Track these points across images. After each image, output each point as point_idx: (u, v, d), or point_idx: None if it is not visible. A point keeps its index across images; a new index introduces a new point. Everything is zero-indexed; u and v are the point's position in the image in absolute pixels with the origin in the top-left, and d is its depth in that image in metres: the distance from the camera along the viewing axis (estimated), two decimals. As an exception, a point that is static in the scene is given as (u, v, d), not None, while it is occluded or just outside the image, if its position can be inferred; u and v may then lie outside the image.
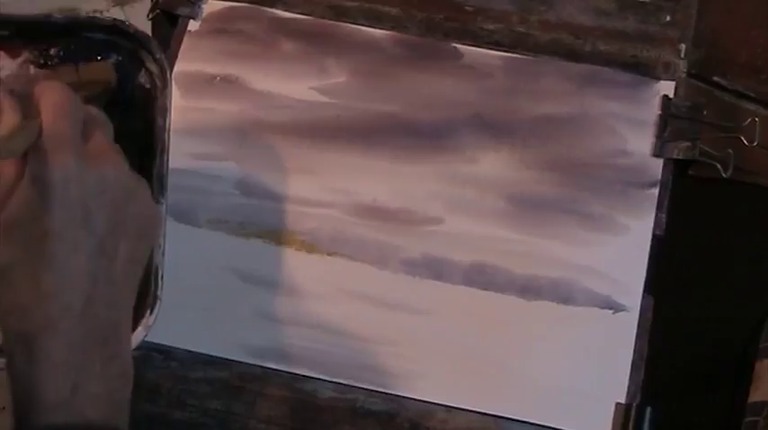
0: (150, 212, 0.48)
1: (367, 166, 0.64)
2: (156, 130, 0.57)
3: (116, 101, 0.57)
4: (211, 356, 0.61)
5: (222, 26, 0.68)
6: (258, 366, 0.60)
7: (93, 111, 0.48)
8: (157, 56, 0.57)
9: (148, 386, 0.60)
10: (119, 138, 0.52)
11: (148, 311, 0.53)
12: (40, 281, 0.42)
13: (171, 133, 0.57)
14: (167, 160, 0.56)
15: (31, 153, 0.44)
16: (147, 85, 0.58)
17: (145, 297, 0.53)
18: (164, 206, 0.54)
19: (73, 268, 0.43)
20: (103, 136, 0.47)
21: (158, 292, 0.54)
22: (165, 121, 0.56)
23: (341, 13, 0.68)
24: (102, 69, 0.57)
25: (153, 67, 0.57)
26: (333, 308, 0.61)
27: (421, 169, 0.64)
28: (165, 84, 0.57)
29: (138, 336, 0.53)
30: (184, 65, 0.67)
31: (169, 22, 0.70)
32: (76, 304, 0.43)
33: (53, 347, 0.42)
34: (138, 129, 0.58)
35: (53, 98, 0.46)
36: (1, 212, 0.44)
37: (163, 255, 0.54)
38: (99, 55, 0.58)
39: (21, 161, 0.45)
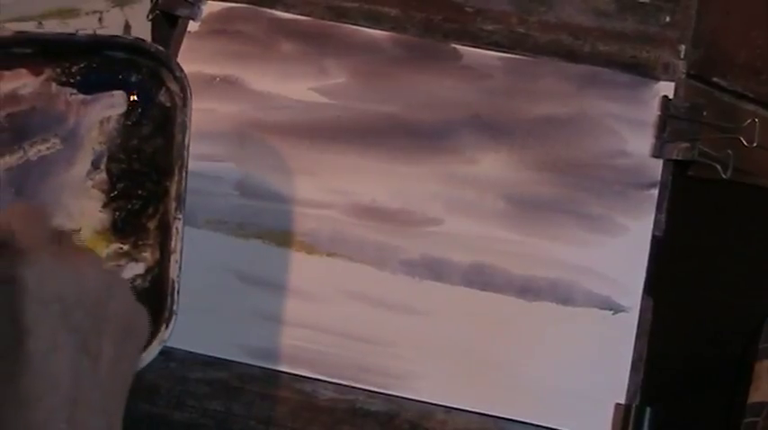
0: (133, 309, 0.44)
1: (366, 167, 0.64)
2: (174, 147, 0.56)
3: (137, 121, 0.58)
4: (211, 357, 0.61)
5: (222, 27, 0.69)
6: (258, 367, 0.60)
7: (69, 231, 0.47)
8: (177, 74, 0.56)
9: (147, 386, 0.60)
10: (139, 157, 0.55)
11: (164, 326, 0.52)
12: (18, 385, 0.39)
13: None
14: (186, 176, 0.55)
15: (2, 252, 0.42)
16: (168, 104, 0.57)
17: (161, 312, 0.53)
18: (181, 221, 0.54)
19: (53, 369, 0.39)
20: (78, 242, 0.46)
21: (174, 307, 0.53)
22: (184, 138, 0.56)
23: (340, 14, 0.69)
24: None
25: (173, 86, 0.57)
26: (332, 308, 0.61)
27: (420, 170, 0.64)
28: (186, 101, 0.56)
29: (152, 352, 0.51)
30: (184, 66, 0.67)
31: (169, 22, 0.70)
32: (61, 410, 0.39)
33: None
34: (157, 148, 0.58)
35: (21, 209, 0.44)
36: None
37: (180, 269, 0.53)
38: (120, 74, 0.58)
39: None
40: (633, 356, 0.59)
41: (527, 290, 0.61)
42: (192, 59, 0.68)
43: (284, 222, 0.63)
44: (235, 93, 0.67)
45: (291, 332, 0.61)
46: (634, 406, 0.58)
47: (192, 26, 0.69)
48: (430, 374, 0.60)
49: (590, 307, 0.60)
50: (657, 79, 0.65)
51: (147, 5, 0.71)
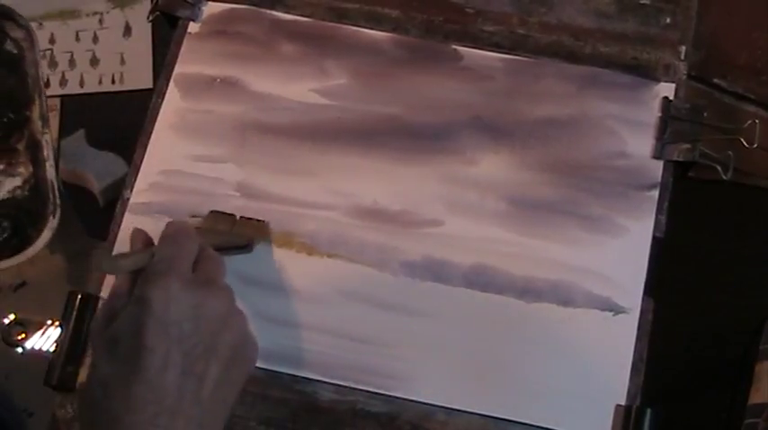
0: (244, 343, 0.51)
1: (367, 168, 0.64)
2: (30, 81, 0.69)
3: None
4: (211, 358, 0.61)
5: (222, 28, 0.69)
6: (258, 368, 0.60)
7: (211, 251, 0.53)
8: (21, 22, 0.68)
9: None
10: None
11: (51, 216, 0.68)
12: (131, 392, 0.45)
13: (44, 82, 0.70)
14: (45, 99, 0.69)
15: (141, 275, 0.50)
16: (15, 51, 0.69)
17: (46, 207, 0.68)
18: (48, 134, 0.67)
19: (162, 383, 0.46)
20: (213, 270, 0.52)
21: (57, 201, 0.68)
22: (37, 71, 0.69)
23: (341, 15, 0.69)
24: (257, 228, 0.62)
25: (17, 34, 0.69)
26: (332, 309, 0.61)
27: (421, 171, 0.64)
28: (33, 43, 0.69)
29: (44, 238, 0.68)
30: (184, 67, 0.67)
31: (169, 23, 0.70)
32: (161, 417, 0.45)
33: None
34: (12, 86, 0.70)
35: (170, 231, 0.52)
36: (108, 328, 0.48)
37: (56, 171, 0.68)
38: None
39: (132, 284, 0.50)
40: (634, 357, 0.59)
41: (528, 291, 0.61)
42: (192, 60, 0.68)
43: (285, 223, 0.63)
44: (235, 94, 0.67)
45: (292, 333, 0.61)
46: (634, 407, 0.58)
47: (193, 27, 0.69)
48: (430, 375, 0.60)
49: (590, 308, 0.60)
50: (658, 80, 0.65)
51: (148, 6, 0.70)
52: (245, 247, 0.61)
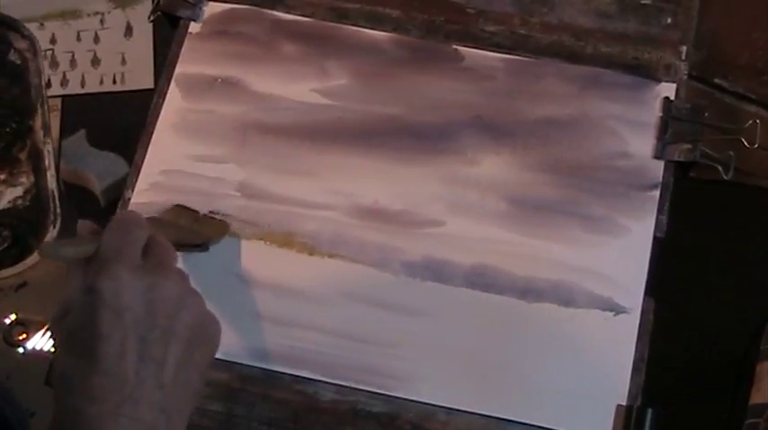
0: (203, 323, 0.50)
1: (368, 168, 0.64)
2: (33, 90, 0.69)
3: None
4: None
5: (223, 28, 0.69)
6: (259, 368, 0.60)
7: (160, 237, 0.52)
8: (25, 33, 0.68)
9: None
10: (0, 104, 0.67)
11: (51, 226, 0.68)
12: (90, 383, 0.45)
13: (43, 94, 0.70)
14: (48, 109, 0.69)
15: (88, 265, 0.49)
16: (18, 61, 0.70)
17: (47, 217, 0.68)
18: (50, 144, 0.66)
19: (120, 371, 0.45)
20: (163, 255, 0.51)
21: (58, 211, 0.68)
22: (40, 81, 0.69)
23: (342, 15, 0.69)
24: (216, 227, 0.62)
25: (21, 44, 0.69)
26: (333, 310, 0.61)
27: (422, 171, 0.64)
28: (36, 53, 0.69)
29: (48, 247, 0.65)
30: (185, 67, 0.68)
31: (170, 23, 0.70)
32: (124, 406, 0.45)
33: None
34: (15, 95, 0.71)
35: (119, 220, 0.51)
36: (63, 321, 0.48)
37: (58, 181, 0.68)
38: None
39: (85, 275, 0.49)
40: (634, 357, 0.59)
41: (528, 291, 0.61)
42: (193, 60, 0.68)
43: (285, 223, 0.63)
44: (236, 94, 0.67)
45: (293, 333, 0.61)
46: (635, 407, 0.58)
47: (194, 27, 0.69)
48: (431, 375, 0.60)
49: (591, 308, 0.60)
50: (659, 80, 0.65)
51: (149, 7, 0.71)
52: (201, 246, 0.61)
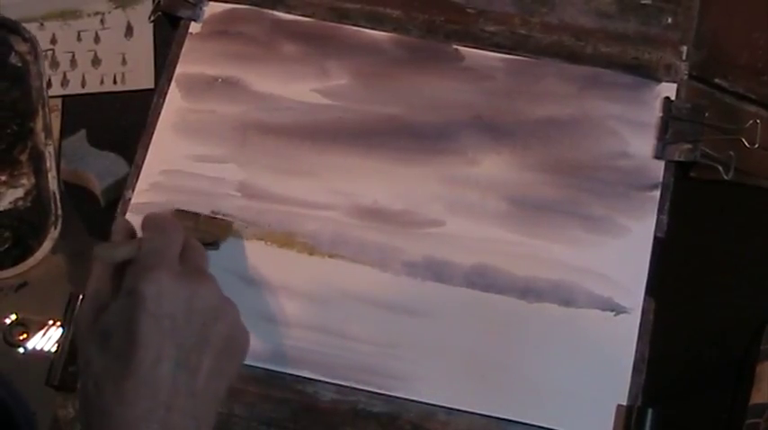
0: (236, 333, 0.50)
1: (368, 168, 0.64)
2: (34, 93, 0.69)
3: None
4: (212, 358, 0.61)
5: (223, 28, 0.69)
6: (259, 368, 0.60)
7: (194, 241, 0.53)
8: (26, 36, 0.68)
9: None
10: (1, 107, 0.68)
11: (53, 227, 0.69)
12: (124, 386, 0.45)
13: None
14: (49, 111, 0.69)
15: (129, 267, 0.49)
16: (19, 64, 0.70)
17: (48, 218, 0.69)
18: (51, 146, 0.66)
19: (155, 377, 0.45)
20: (200, 260, 0.52)
21: (59, 212, 0.68)
22: (41, 83, 0.69)
23: (342, 15, 0.69)
24: (221, 227, 0.63)
25: (22, 47, 0.69)
26: (334, 310, 0.61)
27: (422, 171, 0.64)
28: (37, 56, 0.70)
29: (45, 249, 0.67)
30: (186, 67, 0.68)
31: (170, 23, 0.70)
32: (156, 412, 0.45)
33: None
34: (16, 98, 0.71)
35: (156, 222, 0.52)
36: (97, 322, 0.48)
37: (58, 182, 0.68)
38: None
39: (118, 276, 0.49)
40: (635, 357, 0.59)
41: (529, 291, 0.61)
42: (193, 61, 0.68)
43: (286, 223, 0.63)
44: (236, 94, 0.67)
45: (293, 333, 0.61)
46: (636, 407, 0.58)
47: (194, 27, 0.69)
48: (432, 375, 0.60)
49: (592, 308, 0.60)
50: (659, 80, 0.65)
51: (149, 7, 0.71)
52: (213, 245, 0.62)
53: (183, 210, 0.63)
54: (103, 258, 0.51)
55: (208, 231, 0.62)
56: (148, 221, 0.52)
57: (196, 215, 0.63)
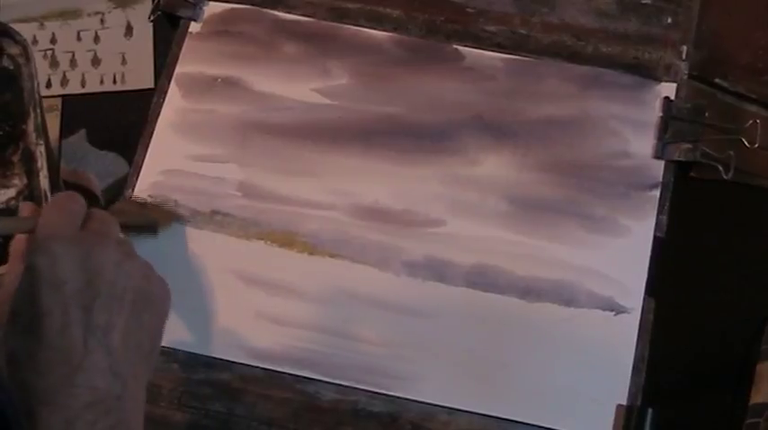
0: (148, 286, 0.49)
1: (368, 168, 0.64)
2: (25, 95, 0.68)
3: None
4: (213, 358, 0.61)
5: (223, 28, 0.69)
6: (260, 368, 0.60)
7: (99, 211, 0.52)
8: (18, 38, 0.67)
9: (149, 387, 0.60)
10: None
11: None
12: (38, 359, 0.44)
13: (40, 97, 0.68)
14: (41, 111, 0.67)
15: (26, 244, 0.50)
16: (11, 67, 0.69)
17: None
18: (43, 145, 0.65)
19: (66, 343, 0.45)
20: (102, 226, 0.51)
21: None
22: (33, 85, 0.68)
23: (342, 15, 0.69)
24: (166, 214, 0.63)
25: (13, 50, 0.67)
26: (334, 309, 0.61)
27: (422, 171, 0.64)
28: (28, 58, 0.68)
29: None
30: (186, 66, 0.68)
31: (170, 23, 0.70)
32: (73, 376, 0.44)
33: (52, 422, 0.43)
34: (7, 100, 0.69)
35: (56, 199, 0.52)
36: (7, 305, 0.47)
37: (49, 182, 0.65)
38: None
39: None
40: (635, 357, 0.59)
41: (529, 291, 0.61)
42: (193, 60, 0.68)
43: (286, 223, 0.63)
44: (236, 94, 0.67)
45: (293, 333, 0.61)
46: (636, 407, 0.58)
47: (194, 27, 0.69)
48: (432, 375, 0.60)
49: (592, 308, 0.60)
50: (659, 80, 0.65)
51: (149, 6, 0.71)
52: (149, 229, 0.62)
53: (131, 199, 0.64)
54: None
55: (148, 215, 0.63)
56: (50, 200, 0.53)
57: (144, 202, 0.64)
